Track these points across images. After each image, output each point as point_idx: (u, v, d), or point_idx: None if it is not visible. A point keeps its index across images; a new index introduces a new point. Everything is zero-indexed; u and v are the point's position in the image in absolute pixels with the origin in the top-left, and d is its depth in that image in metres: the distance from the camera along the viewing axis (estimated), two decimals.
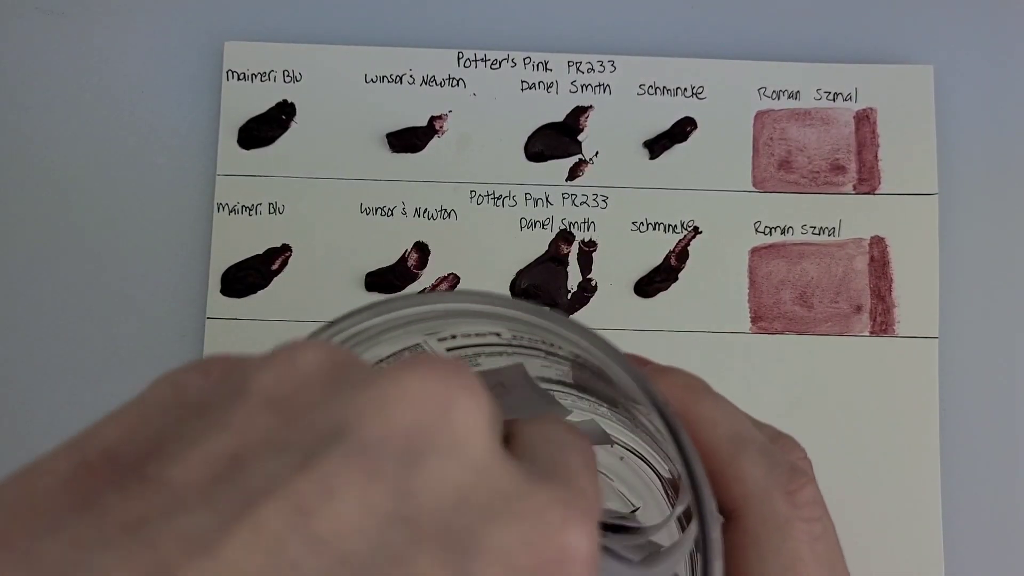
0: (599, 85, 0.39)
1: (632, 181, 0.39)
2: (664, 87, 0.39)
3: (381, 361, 0.20)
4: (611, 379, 0.17)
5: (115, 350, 0.38)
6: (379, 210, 0.38)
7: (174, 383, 0.14)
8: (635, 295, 0.38)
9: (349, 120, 0.39)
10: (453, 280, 0.38)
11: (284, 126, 0.39)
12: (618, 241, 0.38)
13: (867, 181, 0.39)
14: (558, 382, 0.22)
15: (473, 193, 0.38)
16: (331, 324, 0.18)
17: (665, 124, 0.39)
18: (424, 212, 0.38)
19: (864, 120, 0.39)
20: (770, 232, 0.38)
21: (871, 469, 0.37)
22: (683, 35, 0.40)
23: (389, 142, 0.39)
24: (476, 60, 0.39)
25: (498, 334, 0.19)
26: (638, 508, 0.22)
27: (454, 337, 0.20)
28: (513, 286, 0.38)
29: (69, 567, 0.11)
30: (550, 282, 0.38)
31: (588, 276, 0.38)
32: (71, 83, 0.40)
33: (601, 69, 0.39)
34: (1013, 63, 0.40)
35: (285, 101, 0.39)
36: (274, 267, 0.38)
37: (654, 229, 0.38)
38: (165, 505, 0.12)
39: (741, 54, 0.40)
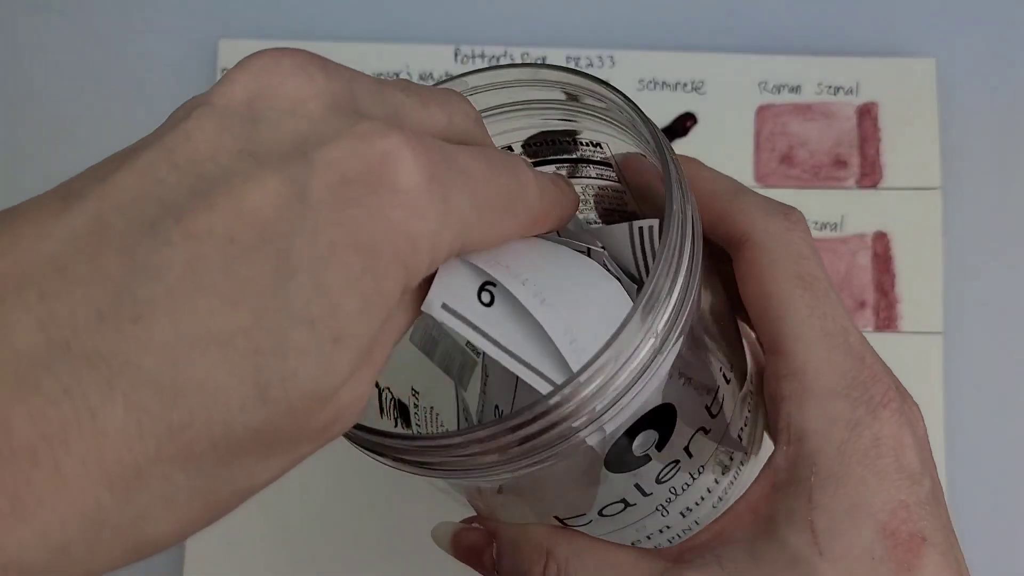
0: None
1: None
2: (664, 82, 0.39)
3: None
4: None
5: None
6: None
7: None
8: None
9: None
10: None
11: None
12: None
13: (869, 176, 0.38)
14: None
15: None
16: None
17: (665, 119, 0.39)
18: None
19: (866, 114, 0.39)
20: None
21: None
22: (683, 29, 0.40)
23: None
24: (473, 56, 0.39)
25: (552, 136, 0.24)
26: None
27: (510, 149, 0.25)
28: None
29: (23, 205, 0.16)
30: None
31: None
32: (66, 81, 0.39)
33: (600, 64, 0.39)
34: (1016, 56, 0.40)
35: None
36: None
37: None
38: (89, 170, 0.17)
39: (741, 48, 0.39)
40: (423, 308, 0.18)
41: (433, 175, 0.16)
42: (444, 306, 0.18)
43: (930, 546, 0.21)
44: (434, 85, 0.21)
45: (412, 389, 0.25)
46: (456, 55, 0.39)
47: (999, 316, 0.38)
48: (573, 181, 0.26)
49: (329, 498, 0.36)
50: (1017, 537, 0.37)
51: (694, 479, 0.24)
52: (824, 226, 0.38)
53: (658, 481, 0.23)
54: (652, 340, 0.19)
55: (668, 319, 0.19)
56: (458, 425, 0.26)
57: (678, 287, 0.20)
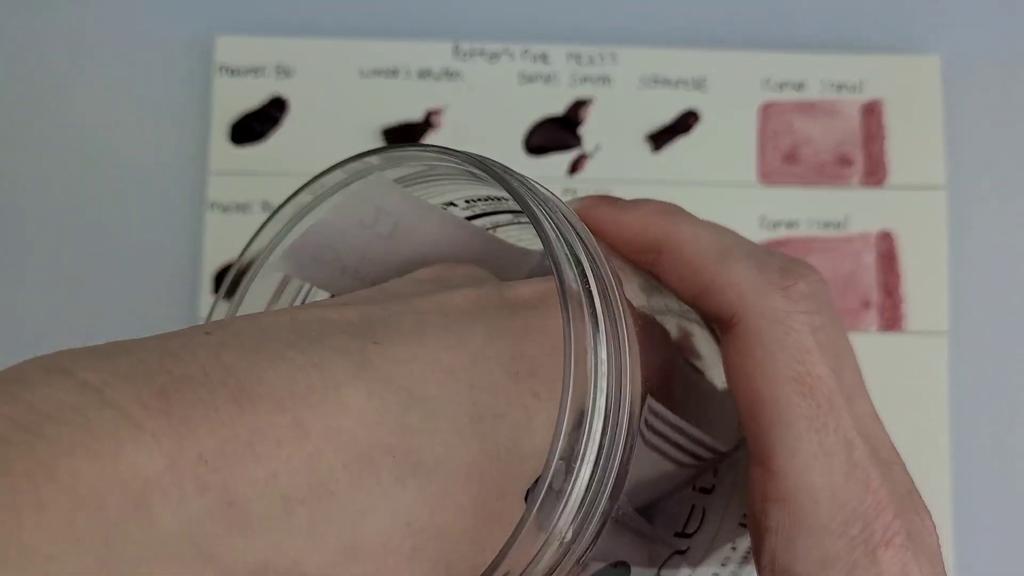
0: (599, 77, 0.38)
1: (635, 175, 0.38)
2: (666, 79, 0.38)
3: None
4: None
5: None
6: None
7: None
8: None
9: (343, 115, 0.38)
10: None
11: (277, 122, 0.38)
12: None
13: (874, 174, 0.38)
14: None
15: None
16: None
17: (668, 117, 0.38)
18: None
19: (871, 111, 0.38)
20: (775, 227, 0.38)
21: None
22: (685, 26, 0.39)
23: (385, 137, 0.38)
24: (473, 53, 0.38)
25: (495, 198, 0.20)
26: None
27: (454, 204, 0.21)
28: None
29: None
30: None
31: None
32: (60, 79, 0.39)
33: (601, 61, 0.39)
34: (1021, 52, 0.39)
35: (278, 96, 0.38)
36: None
37: None
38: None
39: (744, 45, 0.39)
40: None
41: None
42: None
43: None
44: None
45: None
46: (455, 52, 0.38)
47: (1005, 316, 0.38)
48: None
49: None
50: (1023, 538, 0.36)
51: None
52: (828, 225, 0.38)
53: None
54: (557, 543, 0.15)
55: (579, 512, 0.15)
56: None
57: (587, 471, 0.15)
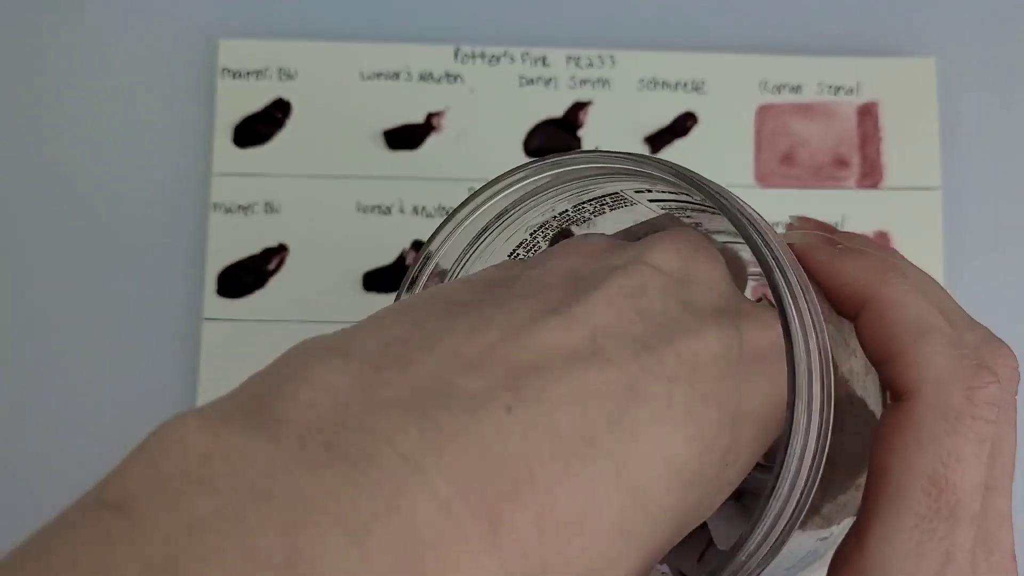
0: (598, 80, 0.39)
1: None
2: (664, 81, 0.39)
3: (583, 203, 0.23)
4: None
5: (110, 352, 0.37)
6: (376, 208, 0.38)
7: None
8: None
9: (345, 117, 0.38)
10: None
11: (279, 124, 0.38)
12: None
13: (870, 176, 0.38)
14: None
15: (471, 190, 0.38)
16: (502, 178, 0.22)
17: (666, 119, 0.39)
18: (422, 210, 0.38)
19: (867, 114, 0.39)
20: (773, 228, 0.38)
21: None
22: (683, 28, 0.40)
23: (386, 139, 0.38)
24: (474, 56, 0.39)
25: (687, 193, 0.21)
26: None
27: (649, 191, 0.23)
28: None
29: (485, 303, 0.17)
30: None
31: None
32: (64, 82, 0.39)
33: (600, 64, 0.39)
34: (1016, 55, 0.40)
35: (280, 99, 0.38)
36: (271, 267, 0.37)
37: None
38: (538, 288, 0.18)
39: (742, 47, 0.39)
40: None
41: None
42: None
43: None
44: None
45: None
46: (456, 55, 0.39)
47: (1000, 317, 0.38)
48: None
49: None
50: (1022, 539, 0.37)
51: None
52: None
53: None
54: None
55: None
56: None
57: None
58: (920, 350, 0.19)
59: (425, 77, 0.39)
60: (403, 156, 0.38)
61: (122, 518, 0.12)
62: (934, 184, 0.38)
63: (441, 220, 0.22)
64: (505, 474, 0.14)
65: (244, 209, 0.38)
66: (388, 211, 0.38)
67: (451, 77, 0.39)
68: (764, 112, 0.39)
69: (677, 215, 0.23)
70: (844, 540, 0.20)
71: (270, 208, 0.38)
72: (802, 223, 0.24)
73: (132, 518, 0.12)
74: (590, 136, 0.38)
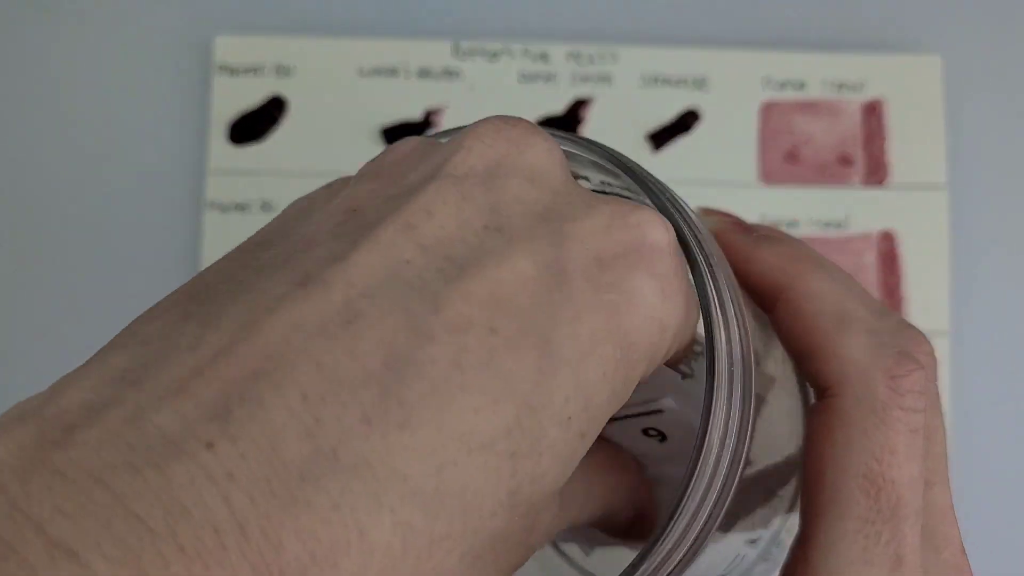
0: (600, 76, 0.38)
1: None
2: (666, 78, 0.38)
3: None
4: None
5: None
6: None
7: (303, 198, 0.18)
8: None
9: (343, 114, 0.38)
10: None
11: (276, 121, 0.38)
12: None
13: (875, 173, 0.38)
14: None
15: None
16: None
17: (668, 116, 0.38)
18: None
19: (871, 111, 0.38)
20: (776, 226, 0.38)
21: None
22: (685, 24, 0.39)
23: (384, 136, 0.38)
24: (473, 52, 0.38)
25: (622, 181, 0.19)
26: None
27: (587, 179, 0.20)
28: None
29: (235, 286, 0.14)
30: None
31: None
32: (59, 78, 0.39)
33: (602, 60, 0.38)
34: (1022, 52, 0.39)
35: (277, 96, 0.38)
36: None
37: None
38: (302, 246, 0.15)
39: (745, 44, 0.39)
40: None
41: (680, 256, 0.16)
42: None
43: None
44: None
45: None
46: (455, 51, 0.38)
47: (1006, 316, 0.38)
48: None
49: None
50: (1023, 538, 0.36)
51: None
52: (829, 225, 0.38)
53: None
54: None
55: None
56: None
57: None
58: (840, 342, 0.18)
59: (424, 73, 0.38)
60: None
61: None
62: (940, 182, 0.38)
63: None
64: (200, 531, 0.12)
65: (240, 207, 0.37)
66: None
67: (450, 73, 0.38)
68: (768, 109, 0.38)
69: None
70: (790, 551, 0.18)
71: (266, 206, 0.37)
72: (707, 214, 0.22)
73: None
74: (591, 134, 0.38)
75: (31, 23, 0.39)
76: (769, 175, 0.38)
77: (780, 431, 0.20)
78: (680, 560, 0.16)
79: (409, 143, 0.17)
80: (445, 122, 0.38)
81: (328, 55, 0.38)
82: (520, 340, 0.14)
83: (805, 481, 0.18)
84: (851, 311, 0.19)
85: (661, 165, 0.38)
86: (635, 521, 0.21)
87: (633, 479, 0.21)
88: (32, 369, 0.37)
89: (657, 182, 0.17)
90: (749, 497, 0.20)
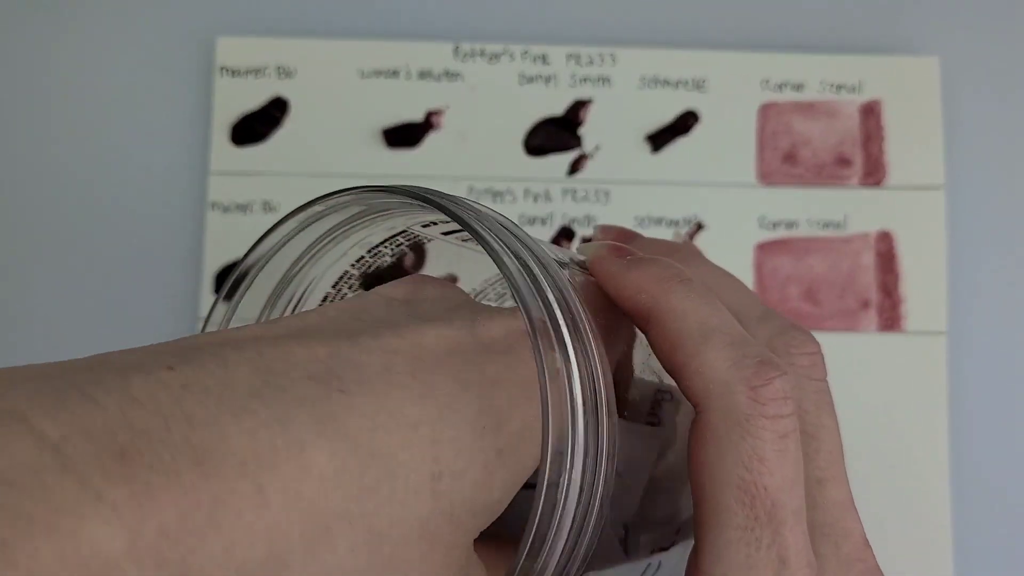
0: (599, 78, 0.38)
1: (634, 175, 0.38)
2: (666, 80, 0.39)
3: (376, 247, 0.22)
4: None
5: (107, 351, 0.37)
6: None
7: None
8: None
9: (344, 115, 0.38)
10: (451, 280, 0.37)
11: (277, 122, 0.38)
12: None
13: (873, 174, 0.38)
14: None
15: (471, 189, 0.38)
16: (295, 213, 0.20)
17: (667, 117, 0.38)
18: None
19: (869, 112, 0.38)
20: (775, 227, 0.38)
21: (879, 466, 0.36)
22: (685, 26, 0.39)
23: (385, 138, 0.38)
24: (473, 54, 0.39)
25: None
26: None
27: (435, 224, 0.21)
28: None
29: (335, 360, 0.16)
30: None
31: None
32: (61, 79, 0.39)
33: (601, 62, 0.39)
34: (1020, 54, 0.40)
35: (278, 97, 0.38)
36: None
37: (657, 224, 0.38)
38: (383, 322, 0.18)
39: (744, 45, 0.39)
40: None
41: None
42: None
43: None
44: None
45: None
46: (456, 52, 0.38)
47: (1003, 316, 0.38)
48: None
49: None
50: (1022, 538, 0.36)
51: None
52: (827, 225, 0.38)
53: None
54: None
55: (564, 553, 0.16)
56: None
57: (572, 505, 0.16)
58: (701, 359, 0.19)
59: (425, 75, 0.38)
60: (402, 155, 0.38)
61: None
62: (937, 183, 0.38)
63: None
64: (151, 416, 0.13)
65: (242, 208, 0.37)
66: None
67: (451, 75, 0.38)
68: (766, 110, 0.38)
69: (470, 243, 0.22)
70: (687, 563, 0.19)
71: (268, 207, 0.37)
72: (604, 233, 0.23)
73: None
74: (591, 134, 0.38)
75: (33, 24, 0.39)
76: (767, 176, 0.38)
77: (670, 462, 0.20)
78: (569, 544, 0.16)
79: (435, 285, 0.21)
80: (446, 123, 0.38)
81: (329, 56, 0.38)
82: (439, 368, 0.17)
83: (693, 493, 0.19)
84: (713, 325, 0.19)
85: (660, 166, 0.38)
86: None
87: None
88: None
89: (488, 221, 0.18)
90: (643, 520, 0.20)
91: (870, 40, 0.39)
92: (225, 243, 0.37)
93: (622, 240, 0.24)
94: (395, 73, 0.38)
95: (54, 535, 0.12)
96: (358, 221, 0.21)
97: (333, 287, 0.22)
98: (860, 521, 0.20)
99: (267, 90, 0.38)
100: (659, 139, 0.38)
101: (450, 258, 0.23)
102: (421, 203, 0.18)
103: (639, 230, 0.37)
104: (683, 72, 0.39)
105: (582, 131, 0.38)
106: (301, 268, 0.21)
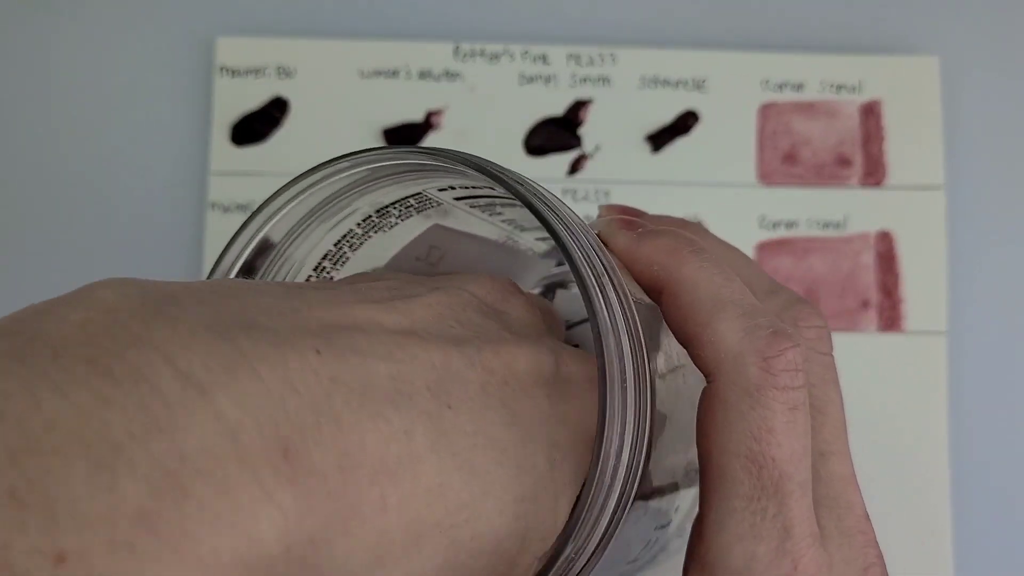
0: (599, 78, 0.38)
1: (634, 175, 0.38)
2: (666, 80, 0.39)
3: (385, 207, 0.22)
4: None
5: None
6: None
7: None
8: None
9: (344, 116, 0.38)
10: None
11: (277, 123, 0.38)
12: None
13: (873, 174, 0.38)
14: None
15: None
16: (311, 173, 0.20)
17: (667, 117, 0.38)
18: None
19: (869, 112, 0.38)
20: (775, 227, 0.38)
21: (879, 466, 0.36)
22: (684, 26, 0.39)
23: (385, 138, 0.38)
24: (473, 54, 0.39)
25: (491, 187, 0.20)
26: None
27: (452, 188, 0.21)
28: None
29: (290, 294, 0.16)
30: None
31: None
32: (60, 79, 0.39)
33: (601, 62, 0.39)
34: (1020, 54, 0.40)
35: (278, 97, 0.38)
36: None
37: None
38: (364, 292, 0.18)
39: (744, 45, 0.39)
40: None
41: None
42: None
43: None
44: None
45: None
46: (456, 52, 0.38)
47: (1003, 315, 0.38)
48: None
49: None
50: (1022, 538, 0.36)
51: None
52: (827, 225, 0.38)
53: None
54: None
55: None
56: None
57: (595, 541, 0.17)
58: (713, 328, 0.19)
59: (425, 75, 0.38)
60: None
61: None
62: (937, 183, 0.38)
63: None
64: (306, 409, 0.13)
65: (242, 208, 0.37)
66: None
67: (451, 75, 0.38)
68: (766, 110, 0.38)
69: (487, 211, 0.23)
70: (692, 530, 0.19)
71: None
72: (608, 211, 0.23)
73: None
74: (591, 134, 0.38)
75: (33, 24, 0.39)
76: (768, 176, 0.38)
77: (679, 428, 0.21)
78: (595, 550, 0.17)
79: (421, 276, 0.21)
80: (446, 123, 0.38)
81: (329, 56, 0.38)
82: (527, 396, 0.17)
83: (699, 462, 0.19)
84: (726, 296, 0.19)
85: (660, 166, 0.38)
86: None
87: None
88: None
89: (529, 187, 0.18)
90: (654, 484, 0.21)
91: (870, 40, 0.39)
92: (225, 243, 0.37)
93: (630, 215, 0.24)
94: (395, 73, 0.38)
95: (233, 534, 0.12)
96: (376, 181, 0.20)
97: (335, 245, 0.22)
98: (861, 495, 0.20)
99: (267, 90, 0.38)
100: (659, 139, 0.38)
101: (456, 221, 0.23)
102: (482, 173, 0.18)
103: None
104: (683, 72, 0.39)
105: (582, 131, 0.38)
106: (311, 222, 0.21)
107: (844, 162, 0.38)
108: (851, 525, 0.20)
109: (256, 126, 0.38)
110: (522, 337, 0.18)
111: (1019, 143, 0.39)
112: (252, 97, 0.38)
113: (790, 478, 0.18)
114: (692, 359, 0.19)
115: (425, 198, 0.21)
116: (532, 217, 0.17)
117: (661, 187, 0.38)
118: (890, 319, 0.37)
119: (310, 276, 0.22)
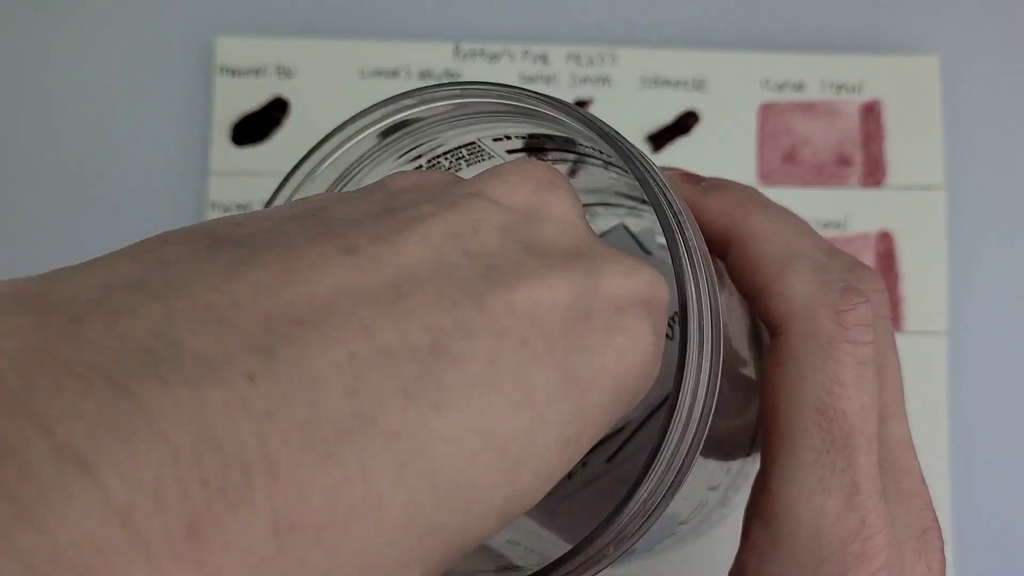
0: (599, 78, 0.39)
1: None
2: (666, 80, 0.39)
3: (438, 156, 0.20)
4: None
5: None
6: None
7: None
8: None
9: (344, 116, 0.38)
10: None
11: (278, 123, 0.38)
12: None
13: (873, 174, 0.38)
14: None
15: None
16: (370, 110, 0.20)
17: (667, 117, 0.38)
18: None
19: (870, 112, 0.38)
20: None
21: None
22: (685, 26, 0.39)
23: (385, 138, 0.38)
24: (474, 54, 0.39)
25: (551, 136, 0.19)
26: None
27: (508, 138, 0.20)
28: None
29: (267, 236, 0.14)
30: None
31: None
32: (60, 79, 0.39)
33: (601, 62, 0.39)
34: (1020, 53, 0.40)
35: (279, 97, 0.38)
36: None
37: None
38: (341, 223, 0.15)
39: (744, 45, 0.39)
40: None
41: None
42: None
43: None
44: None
45: None
46: (456, 52, 0.38)
47: (1003, 315, 0.38)
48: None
49: None
50: (1022, 538, 0.36)
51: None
52: (827, 225, 0.38)
53: None
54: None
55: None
56: None
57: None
58: (785, 280, 0.19)
59: (425, 75, 0.38)
60: None
61: None
62: (938, 182, 0.38)
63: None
64: (228, 466, 0.11)
65: (242, 208, 0.37)
66: None
67: (451, 75, 0.38)
68: (766, 110, 0.38)
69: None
70: (753, 485, 0.19)
71: None
72: (665, 171, 0.23)
73: None
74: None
75: (32, 24, 0.39)
76: (768, 176, 0.38)
77: (737, 382, 0.21)
78: (663, 496, 0.16)
79: (442, 172, 0.18)
80: None
81: (330, 56, 0.38)
82: (545, 358, 0.14)
83: (763, 416, 0.19)
84: (797, 249, 0.19)
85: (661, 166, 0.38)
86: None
87: None
88: None
89: (636, 151, 0.18)
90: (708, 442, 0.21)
91: (870, 40, 0.39)
92: None
93: (686, 178, 0.23)
94: (395, 73, 0.38)
95: None
96: (442, 123, 0.20)
97: None
98: (918, 460, 0.20)
99: (267, 90, 0.38)
100: (659, 139, 0.38)
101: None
102: (575, 120, 0.17)
103: None
104: (683, 72, 0.39)
105: None
106: (361, 168, 0.21)
107: (844, 162, 0.38)
108: (910, 488, 0.19)
109: (256, 126, 0.38)
110: (552, 262, 0.15)
111: (1019, 143, 0.39)
112: (252, 97, 0.38)
113: (860, 432, 0.18)
114: (758, 312, 0.19)
115: (478, 148, 0.21)
116: (589, 178, 0.17)
117: None
118: (891, 319, 0.37)
119: None
